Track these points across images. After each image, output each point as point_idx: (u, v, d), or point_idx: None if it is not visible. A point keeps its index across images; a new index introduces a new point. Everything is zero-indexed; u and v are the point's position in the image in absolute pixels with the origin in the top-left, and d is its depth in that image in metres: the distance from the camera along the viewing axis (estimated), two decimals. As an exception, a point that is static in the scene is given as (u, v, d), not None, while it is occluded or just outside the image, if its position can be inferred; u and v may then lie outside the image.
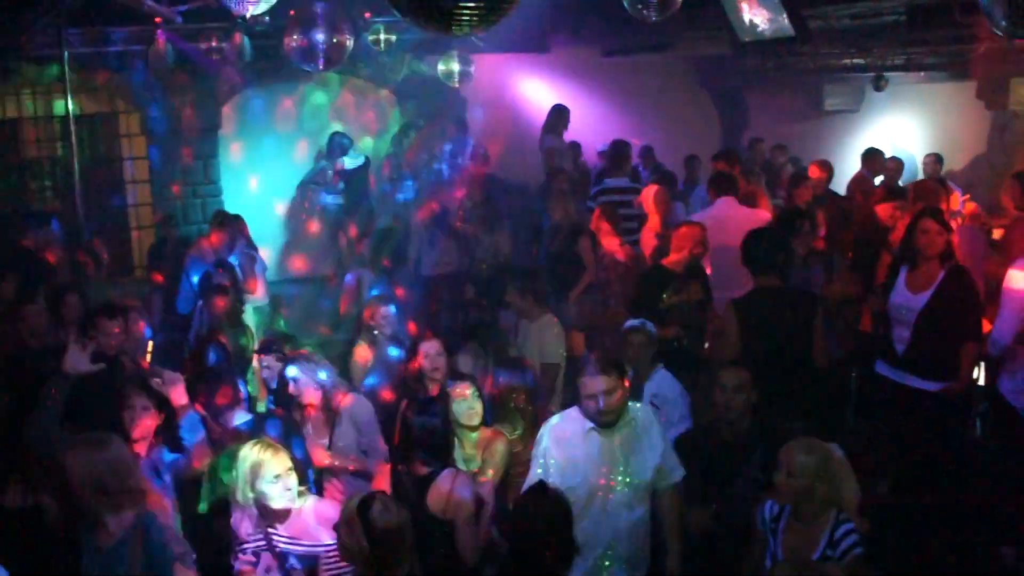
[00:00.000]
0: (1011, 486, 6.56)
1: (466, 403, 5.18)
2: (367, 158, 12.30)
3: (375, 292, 7.49)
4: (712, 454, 5.11)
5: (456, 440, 5.16)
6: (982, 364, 6.75)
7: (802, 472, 4.13)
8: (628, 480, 4.66)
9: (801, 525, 4.24)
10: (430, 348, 5.93)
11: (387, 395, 6.11)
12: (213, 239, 8.80)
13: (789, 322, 5.98)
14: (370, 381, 6.34)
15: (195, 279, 8.23)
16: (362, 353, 6.66)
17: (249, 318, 8.18)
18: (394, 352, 6.45)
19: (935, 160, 12.06)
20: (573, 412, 4.77)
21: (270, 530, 4.37)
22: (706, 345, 6.95)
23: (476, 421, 5.20)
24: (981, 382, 6.97)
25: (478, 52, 11.34)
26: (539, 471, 4.65)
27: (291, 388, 5.54)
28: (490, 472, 5.13)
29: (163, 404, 4.95)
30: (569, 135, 12.25)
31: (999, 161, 13.29)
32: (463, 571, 4.57)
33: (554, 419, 4.86)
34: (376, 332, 6.66)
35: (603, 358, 4.72)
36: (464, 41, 10.91)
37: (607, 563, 4.69)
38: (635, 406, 4.86)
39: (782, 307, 6.03)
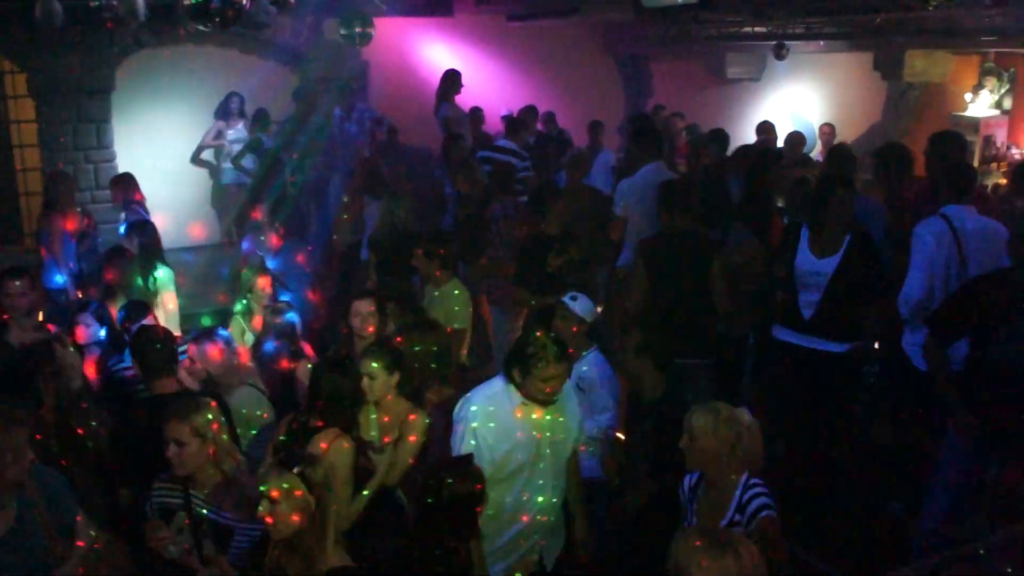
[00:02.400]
0: (900, 444, 6.75)
1: (370, 378, 5.00)
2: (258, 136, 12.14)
3: (271, 260, 7.35)
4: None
5: (373, 408, 5.05)
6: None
7: (701, 433, 4.06)
8: (553, 453, 4.64)
9: (712, 492, 4.19)
10: (362, 307, 5.86)
11: (285, 363, 6.01)
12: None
13: (689, 261, 6.18)
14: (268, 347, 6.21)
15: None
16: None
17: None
18: (292, 317, 6.33)
19: (832, 130, 12.32)
20: (497, 386, 4.66)
21: (191, 492, 4.22)
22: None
23: (375, 397, 5.03)
24: (875, 344, 7.14)
25: (381, 15, 11.16)
26: (471, 443, 4.51)
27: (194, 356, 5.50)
28: (403, 448, 4.99)
29: None
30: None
31: (894, 130, 13.62)
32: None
33: (477, 395, 4.68)
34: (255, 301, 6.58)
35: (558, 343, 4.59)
36: (367, 3, 10.74)
37: (533, 535, 4.69)
38: None
39: (684, 246, 6.24)
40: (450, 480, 3.85)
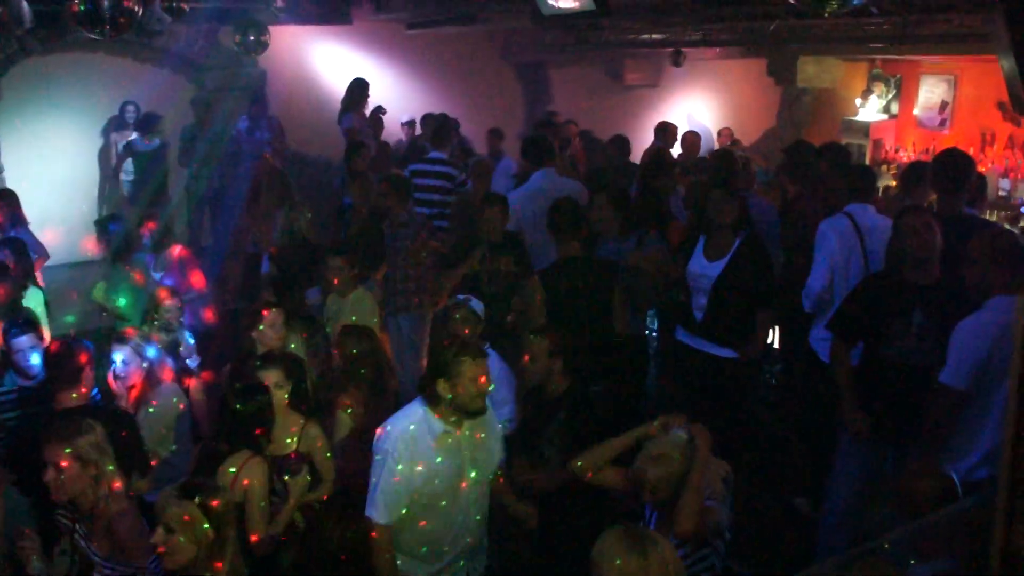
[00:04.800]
0: (805, 441, 6.88)
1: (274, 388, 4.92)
2: (162, 141, 11.85)
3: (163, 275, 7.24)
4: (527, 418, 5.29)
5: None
6: (776, 328, 7.03)
7: (659, 486, 3.99)
8: (478, 475, 4.48)
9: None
10: (275, 318, 5.79)
11: (189, 381, 5.91)
12: None
13: (590, 290, 6.12)
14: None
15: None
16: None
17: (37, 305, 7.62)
18: (190, 339, 6.23)
19: (731, 134, 12.54)
20: (416, 413, 4.40)
21: (77, 520, 4.02)
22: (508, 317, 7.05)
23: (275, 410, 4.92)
24: (776, 345, 7.27)
25: (278, 23, 11.02)
26: (394, 471, 4.28)
27: (118, 372, 5.31)
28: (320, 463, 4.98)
29: None
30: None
31: (788, 134, 13.92)
32: (254, 556, 4.42)
33: (396, 424, 4.39)
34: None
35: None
36: (263, 11, 10.60)
37: (460, 560, 4.55)
38: None
39: (584, 276, 6.18)
40: (338, 532, 3.78)
